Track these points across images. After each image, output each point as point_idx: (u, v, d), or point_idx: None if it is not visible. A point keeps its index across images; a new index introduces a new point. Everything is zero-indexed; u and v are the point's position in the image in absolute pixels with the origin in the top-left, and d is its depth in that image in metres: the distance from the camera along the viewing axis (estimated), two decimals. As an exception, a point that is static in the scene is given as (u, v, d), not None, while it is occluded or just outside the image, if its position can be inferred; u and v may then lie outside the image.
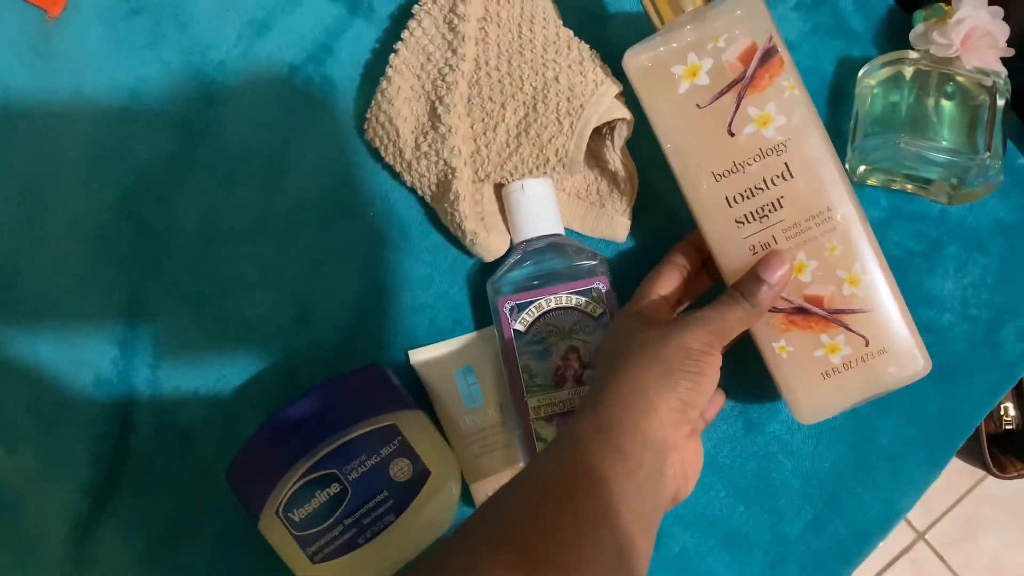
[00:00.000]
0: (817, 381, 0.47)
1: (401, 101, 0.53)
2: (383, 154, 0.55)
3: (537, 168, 0.51)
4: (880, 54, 0.53)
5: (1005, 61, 0.52)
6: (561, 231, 0.53)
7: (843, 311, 0.46)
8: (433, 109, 0.52)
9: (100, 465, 0.56)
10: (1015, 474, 1.16)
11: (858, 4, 0.57)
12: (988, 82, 0.51)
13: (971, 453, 1.18)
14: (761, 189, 0.46)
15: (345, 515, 0.48)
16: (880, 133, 0.51)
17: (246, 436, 0.51)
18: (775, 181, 0.46)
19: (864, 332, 0.46)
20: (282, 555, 0.49)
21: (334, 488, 0.48)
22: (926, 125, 0.50)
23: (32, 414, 0.57)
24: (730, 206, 0.47)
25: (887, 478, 0.54)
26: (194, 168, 0.57)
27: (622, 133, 0.50)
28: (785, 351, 0.47)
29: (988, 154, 0.49)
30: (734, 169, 0.46)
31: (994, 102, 0.50)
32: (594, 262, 0.52)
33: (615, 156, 0.51)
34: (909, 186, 0.55)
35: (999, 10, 0.51)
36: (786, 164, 0.46)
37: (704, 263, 0.51)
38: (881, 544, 0.55)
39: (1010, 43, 0.51)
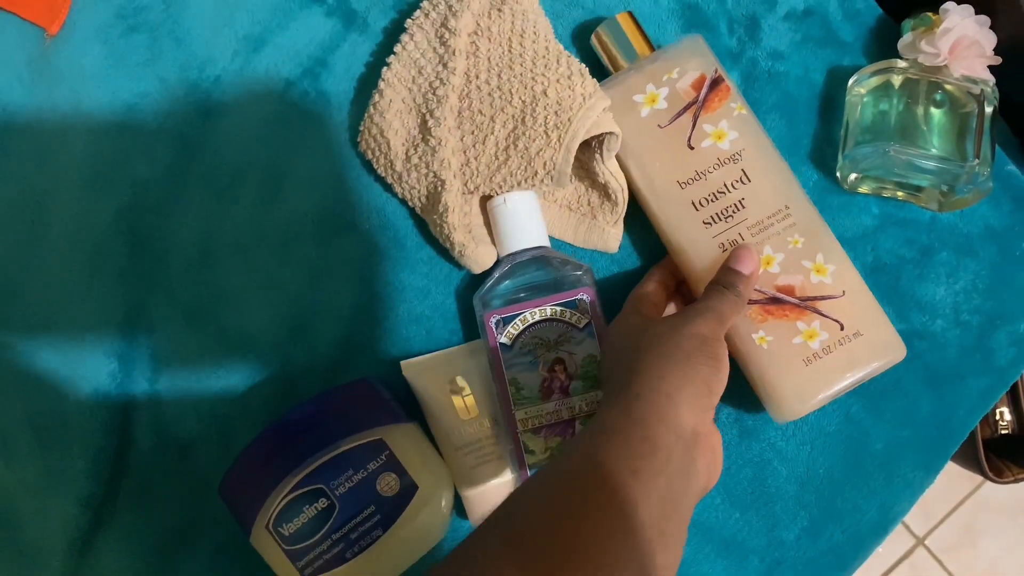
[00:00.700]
0: (800, 368, 0.49)
1: (392, 114, 0.53)
2: (375, 166, 0.55)
3: (525, 181, 0.52)
4: (869, 63, 0.54)
5: (992, 69, 0.52)
6: (546, 243, 0.53)
7: (814, 298, 0.50)
8: (424, 122, 0.53)
9: (99, 478, 0.56)
10: (1011, 478, 1.15)
11: (847, 14, 0.58)
12: (976, 90, 0.51)
13: (967, 458, 1.18)
14: (723, 192, 0.51)
15: (333, 530, 0.47)
16: (870, 141, 0.52)
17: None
18: (735, 185, 0.51)
19: (838, 317, 0.49)
20: (275, 569, 0.49)
21: (322, 503, 0.48)
22: (916, 133, 0.51)
23: (31, 427, 0.57)
24: (697, 209, 0.51)
25: (882, 483, 0.54)
26: (191, 182, 0.58)
27: (611, 146, 0.51)
28: (765, 341, 0.49)
29: (977, 161, 0.50)
30: (696, 177, 0.51)
31: (982, 110, 0.51)
32: (579, 272, 0.52)
33: (604, 169, 0.52)
34: (900, 193, 0.55)
35: (986, 19, 0.52)
36: (743, 170, 0.51)
37: (679, 287, 0.53)
38: (880, 550, 0.55)
39: (997, 51, 0.52)
